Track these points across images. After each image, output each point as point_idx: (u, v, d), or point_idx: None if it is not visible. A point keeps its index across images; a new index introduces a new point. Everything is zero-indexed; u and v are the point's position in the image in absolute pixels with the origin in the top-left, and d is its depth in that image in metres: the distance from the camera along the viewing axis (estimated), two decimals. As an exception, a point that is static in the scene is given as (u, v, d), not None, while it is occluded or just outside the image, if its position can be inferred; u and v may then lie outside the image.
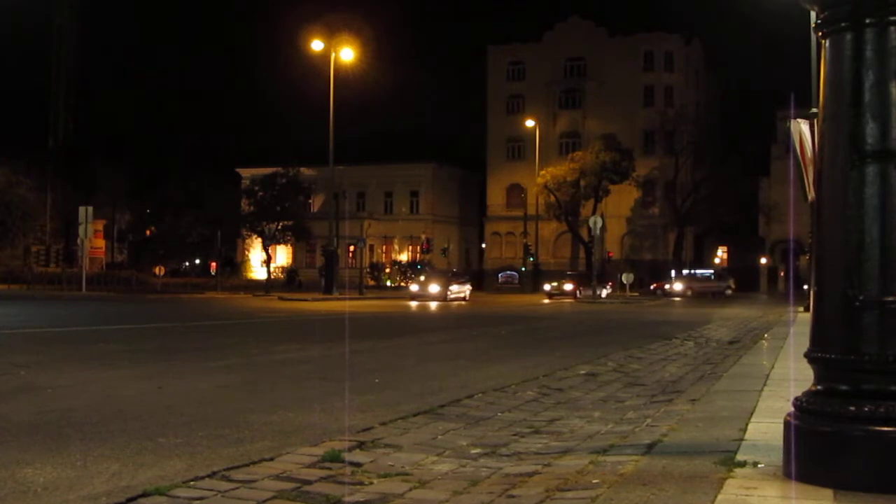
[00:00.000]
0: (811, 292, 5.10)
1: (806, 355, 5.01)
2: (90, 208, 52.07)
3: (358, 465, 6.34)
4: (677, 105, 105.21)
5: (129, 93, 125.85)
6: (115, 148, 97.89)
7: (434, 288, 58.55)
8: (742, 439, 6.46)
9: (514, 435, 7.89)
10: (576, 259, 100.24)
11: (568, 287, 69.81)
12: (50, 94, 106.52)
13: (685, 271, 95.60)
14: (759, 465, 5.40)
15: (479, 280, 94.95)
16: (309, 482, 5.76)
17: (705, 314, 39.08)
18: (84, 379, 12.00)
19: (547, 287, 71.86)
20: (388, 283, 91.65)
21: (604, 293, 71.01)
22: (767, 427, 6.82)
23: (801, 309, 31.86)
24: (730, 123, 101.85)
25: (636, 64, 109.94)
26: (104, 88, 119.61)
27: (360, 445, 7.06)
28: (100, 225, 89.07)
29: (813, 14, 5.27)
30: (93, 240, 62.68)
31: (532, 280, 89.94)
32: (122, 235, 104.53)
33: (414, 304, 50.96)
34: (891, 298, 4.67)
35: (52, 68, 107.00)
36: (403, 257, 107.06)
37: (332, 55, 58.93)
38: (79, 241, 55.85)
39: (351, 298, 50.94)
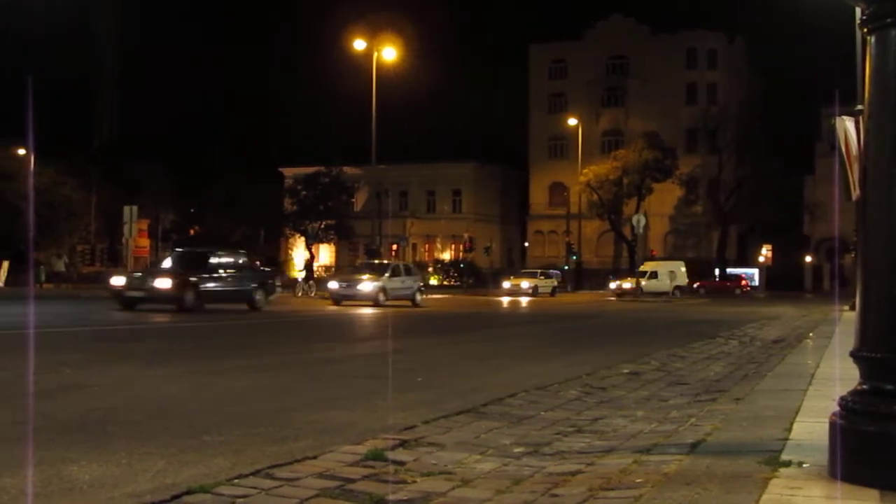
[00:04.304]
0: (857, 291, 5.06)
1: (851, 354, 4.97)
2: (135, 207, 52.23)
3: (401, 463, 6.35)
4: (720, 103, 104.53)
5: (172, 92, 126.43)
6: (159, 147, 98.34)
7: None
8: (787, 439, 6.42)
9: (557, 434, 7.87)
10: (619, 258, 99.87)
11: (363, 288, 41.79)
12: (94, 95, 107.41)
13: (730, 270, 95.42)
14: (804, 465, 5.36)
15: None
16: (352, 480, 5.77)
17: (749, 313, 38.85)
18: (127, 377, 12.10)
19: (284, 285, 47.00)
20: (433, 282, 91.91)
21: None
22: (812, 426, 6.77)
23: (847, 308, 31.61)
24: (773, 121, 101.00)
25: (679, 62, 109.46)
26: (148, 88, 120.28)
27: (403, 444, 7.06)
28: (144, 224, 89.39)
29: (858, 10, 5.23)
30: (137, 239, 62.97)
31: (575, 279, 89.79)
32: (166, 235, 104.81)
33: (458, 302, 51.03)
34: (937, 297, 4.63)
35: (95, 69, 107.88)
36: (446, 256, 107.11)
37: (375, 54, 59.04)
38: (123, 240, 56.17)
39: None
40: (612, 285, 75.12)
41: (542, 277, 69.89)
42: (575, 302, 56.03)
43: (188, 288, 30.82)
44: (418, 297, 44.29)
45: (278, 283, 38.01)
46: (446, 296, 61.75)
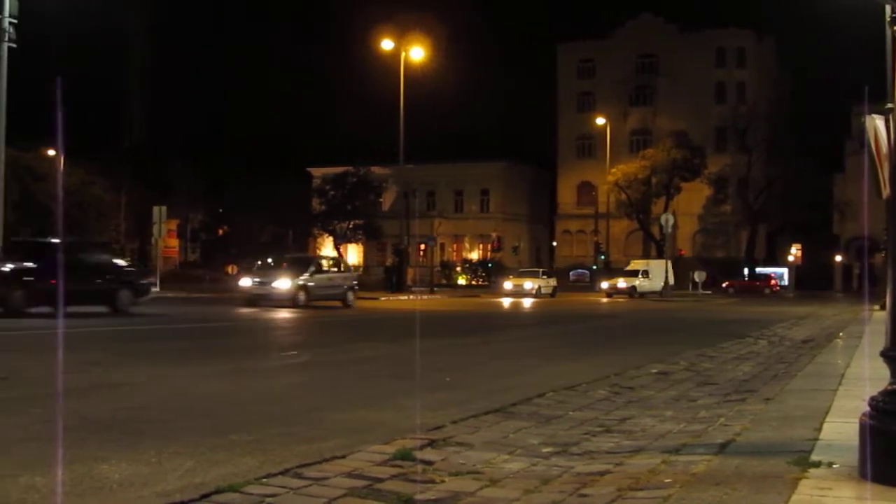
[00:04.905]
0: (887, 290, 5.03)
1: (882, 354, 4.95)
2: (164, 208, 52.50)
3: (429, 463, 6.35)
4: (749, 101, 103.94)
5: (201, 93, 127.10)
6: (188, 148, 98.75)
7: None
8: (816, 439, 6.39)
9: (586, 434, 7.86)
10: (647, 257, 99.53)
11: None
12: (124, 95, 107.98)
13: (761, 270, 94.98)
14: (834, 466, 5.34)
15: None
16: (380, 480, 5.78)
17: (778, 313, 38.65)
18: (156, 376, 12.15)
19: None
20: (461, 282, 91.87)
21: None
22: (843, 427, 6.73)
23: (877, 307, 31.39)
24: (803, 119, 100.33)
25: (708, 60, 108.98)
26: (177, 89, 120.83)
27: (431, 444, 7.07)
28: (173, 224, 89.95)
29: (888, 8, 5.19)
30: (166, 239, 63.39)
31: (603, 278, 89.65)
32: (195, 235, 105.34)
33: (482, 301, 50.92)
34: (969, 296, 4.59)
35: (126, 69, 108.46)
36: (474, 256, 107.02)
37: (403, 54, 59.03)
38: (153, 240, 56.60)
39: (409, 298, 50.91)
40: (604, 285, 70.67)
41: (543, 277, 67.51)
42: (580, 302, 55.32)
43: (12, 286, 25.63)
44: (350, 296, 39.21)
45: (153, 283, 32.51)
46: (439, 296, 60.94)
